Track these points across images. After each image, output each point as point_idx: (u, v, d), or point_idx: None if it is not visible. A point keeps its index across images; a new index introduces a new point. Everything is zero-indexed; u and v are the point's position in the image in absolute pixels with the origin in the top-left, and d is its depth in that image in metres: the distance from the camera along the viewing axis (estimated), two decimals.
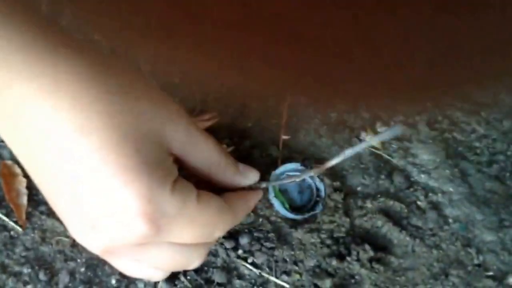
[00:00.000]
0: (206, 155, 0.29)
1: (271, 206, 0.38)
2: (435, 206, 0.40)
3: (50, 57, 0.24)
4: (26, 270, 0.35)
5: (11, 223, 0.36)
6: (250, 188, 0.33)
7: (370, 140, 0.33)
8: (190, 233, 0.27)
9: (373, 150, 0.42)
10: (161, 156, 0.26)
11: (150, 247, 0.27)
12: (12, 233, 0.36)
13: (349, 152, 0.30)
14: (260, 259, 0.37)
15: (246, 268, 0.36)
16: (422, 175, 0.41)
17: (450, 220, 0.40)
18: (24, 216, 0.36)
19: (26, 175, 0.37)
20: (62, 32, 0.25)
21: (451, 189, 0.41)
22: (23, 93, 0.24)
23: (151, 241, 0.26)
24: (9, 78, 0.23)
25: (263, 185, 0.34)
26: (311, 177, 0.39)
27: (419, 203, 0.40)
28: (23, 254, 0.36)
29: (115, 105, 0.24)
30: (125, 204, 0.24)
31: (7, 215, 0.36)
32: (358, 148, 0.29)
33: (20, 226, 0.36)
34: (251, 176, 0.33)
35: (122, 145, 0.24)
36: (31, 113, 0.24)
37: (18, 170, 0.37)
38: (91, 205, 0.25)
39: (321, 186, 0.39)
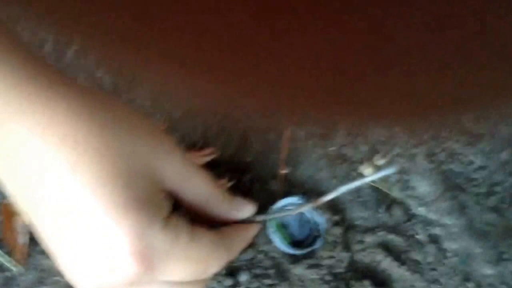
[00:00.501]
0: (201, 190, 0.30)
1: (270, 241, 0.39)
2: (434, 240, 0.41)
3: (43, 95, 0.24)
4: None
5: (8, 264, 0.36)
6: (248, 222, 0.34)
7: (366, 177, 0.34)
8: (183, 270, 0.27)
9: (372, 183, 0.43)
10: (153, 192, 0.26)
11: (142, 286, 0.27)
12: (8, 274, 0.36)
13: (343, 189, 0.31)
14: None
15: None
16: (421, 208, 0.42)
17: (449, 254, 0.40)
18: (24, 255, 0.37)
19: None
20: (57, 71, 0.26)
21: (449, 222, 0.42)
22: (15, 130, 0.24)
23: (143, 280, 0.27)
24: (5, 114, 0.24)
25: (260, 218, 0.35)
26: (310, 212, 0.40)
27: (417, 236, 0.41)
28: None
29: (106, 142, 0.25)
30: (116, 242, 0.25)
31: (7, 254, 0.37)
32: (353, 185, 0.30)
33: (21, 265, 0.36)
34: (246, 210, 0.33)
35: (114, 182, 0.25)
36: (22, 150, 0.25)
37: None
38: (82, 242, 0.25)
39: (320, 220, 0.39)
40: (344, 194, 0.42)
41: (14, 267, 0.36)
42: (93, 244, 0.25)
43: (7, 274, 0.36)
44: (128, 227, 0.24)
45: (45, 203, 0.25)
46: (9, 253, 0.37)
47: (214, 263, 0.29)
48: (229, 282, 0.37)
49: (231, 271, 0.38)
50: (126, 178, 0.25)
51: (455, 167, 0.45)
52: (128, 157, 0.25)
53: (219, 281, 0.37)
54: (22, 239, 0.37)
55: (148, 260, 0.25)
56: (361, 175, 0.43)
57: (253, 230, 0.34)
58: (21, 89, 0.24)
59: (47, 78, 0.25)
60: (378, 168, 0.43)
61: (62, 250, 0.26)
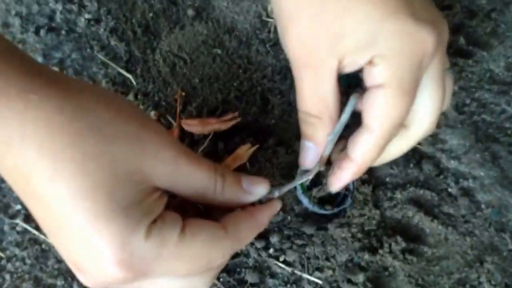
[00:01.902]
0: (197, 183, 0.30)
1: (299, 202, 0.40)
2: (467, 192, 0.42)
3: (19, 106, 0.25)
4: (59, 282, 0.38)
5: (42, 236, 0.39)
6: (261, 202, 0.34)
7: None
8: (179, 268, 0.29)
9: None
10: (139, 196, 0.27)
11: (143, 283, 0.29)
12: (43, 246, 0.39)
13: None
14: (291, 256, 0.39)
15: (278, 266, 0.39)
16: (452, 161, 0.43)
17: (483, 206, 0.42)
18: None
19: None
20: (36, 72, 0.27)
21: (482, 174, 0.43)
22: None
23: (140, 280, 0.28)
24: None
25: (275, 194, 0.35)
26: None
27: (450, 190, 0.42)
28: (56, 266, 0.39)
29: (85, 150, 0.26)
30: (100, 252, 0.26)
31: (37, 228, 0.39)
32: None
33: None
34: (257, 191, 0.33)
35: (94, 191, 0.26)
36: (4, 161, 0.26)
37: None
38: (72, 249, 0.27)
39: None
40: None
41: (49, 240, 0.39)
42: (81, 253, 0.27)
43: (43, 246, 0.39)
44: (110, 238, 0.26)
45: (35, 211, 0.27)
46: (38, 227, 0.40)
47: (217, 255, 0.30)
48: (261, 244, 0.39)
49: (262, 233, 0.39)
50: (106, 187, 0.26)
51: (486, 117, 0.45)
52: (109, 165, 0.26)
53: (251, 244, 0.39)
54: None
55: (134, 267, 0.27)
56: None
57: (268, 210, 0.34)
58: None
59: (19, 88, 0.25)
60: None
61: (60, 252, 0.29)
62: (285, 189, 0.36)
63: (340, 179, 0.34)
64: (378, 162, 0.35)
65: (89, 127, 0.26)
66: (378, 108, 0.30)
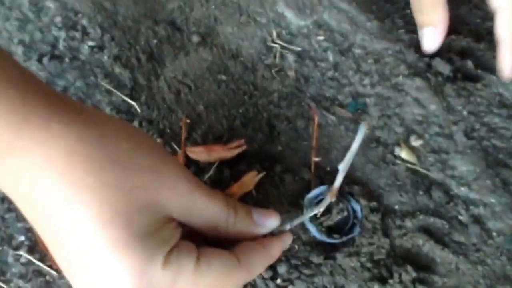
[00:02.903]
0: (210, 215, 0.32)
1: (307, 231, 0.42)
2: (478, 220, 0.44)
3: (41, 134, 0.27)
4: None
5: (46, 268, 0.40)
6: (272, 234, 0.36)
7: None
8: None
9: (409, 165, 0.45)
10: (156, 225, 0.29)
11: None
12: (47, 277, 0.40)
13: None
14: (300, 287, 0.41)
15: None
16: (462, 188, 0.45)
17: (494, 234, 0.43)
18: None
19: None
20: (58, 102, 0.28)
21: (493, 201, 0.44)
22: (15, 167, 0.27)
23: None
24: (1, 150, 0.27)
25: (287, 227, 0.37)
26: (347, 199, 0.42)
27: (460, 217, 0.44)
28: None
29: (105, 179, 0.28)
30: (119, 279, 0.28)
31: (41, 260, 0.41)
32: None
33: (55, 270, 0.40)
34: (268, 224, 0.36)
35: (113, 220, 0.27)
36: (24, 186, 0.28)
37: None
38: (88, 277, 0.28)
39: (357, 208, 0.42)
40: (380, 178, 0.45)
41: (53, 271, 0.40)
42: (100, 281, 0.28)
43: (47, 278, 0.40)
44: (129, 265, 0.27)
45: (52, 237, 0.29)
46: (42, 259, 0.41)
47: (230, 285, 0.32)
48: (268, 274, 0.40)
49: None
50: (125, 215, 0.28)
51: (496, 142, 0.47)
52: (127, 194, 0.28)
53: (259, 274, 0.40)
54: None
55: None
56: (399, 158, 0.45)
57: (280, 243, 0.36)
58: (14, 133, 0.27)
59: (40, 117, 0.27)
60: (414, 150, 0.46)
61: (73, 283, 0.30)
62: (297, 221, 0.38)
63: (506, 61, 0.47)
64: None
65: (109, 156, 0.28)
66: None
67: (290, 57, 0.50)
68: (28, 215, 0.29)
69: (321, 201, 0.42)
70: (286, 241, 0.37)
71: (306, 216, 0.39)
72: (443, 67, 0.49)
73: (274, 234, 0.37)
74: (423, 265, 0.42)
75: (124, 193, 0.28)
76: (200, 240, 0.33)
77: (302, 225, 0.42)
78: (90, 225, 0.27)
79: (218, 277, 0.31)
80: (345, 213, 0.42)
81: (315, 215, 0.42)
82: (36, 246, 0.41)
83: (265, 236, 0.36)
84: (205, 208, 0.32)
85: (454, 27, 0.52)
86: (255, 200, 0.43)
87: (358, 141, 0.35)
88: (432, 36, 0.48)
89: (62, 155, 0.27)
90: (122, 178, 0.28)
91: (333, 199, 0.38)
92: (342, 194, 0.43)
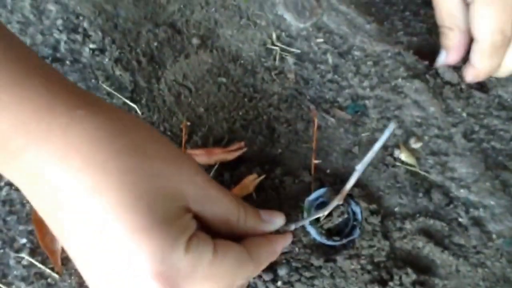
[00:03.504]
0: (224, 210, 0.33)
1: (307, 234, 0.41)
2: (477, 222, 0.43)
3: (63, 121, 0.27)
4: None
5: (48, 270, 0.40)
6: (278, 232, 0.37)
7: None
8: (211, 285, 0.30)
9: (409, 167, 0.45)
10: (176, 213, 0.29)
11: None
12: (49, 280, 0.40)
13: (360, 168, 0.36)
14: None
15: None
16: (462, 190, 0.44)
17: (494, 236, 0.43)
18: (59, 262, 0.40)
19: None
20: (81, 92, 0.29)
21: (492, 203, 0.44)
22: (38, 156, 0.27)
23: None
24: (25, 141, 0.27)
25: (292, 227, 0.38)
26: (347, 202, 0.42)
27: (460, 220, 0.43)
28: None
29: (127, 164, 0.28)
30: (139, 264, 0.27)
31: (43, 262, 0.40)
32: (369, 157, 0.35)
33: (57, 273, 0.40)
34: (275, 222, 0.37)
35: (135, 204, 0.27)
36: (45, 175, 0.28)
37: None
38: (105, 264, 0.28)
39: (357, 210, 0.42)
40: (380, 181, 0.44)
41: (54, 273, 0.40)
42: (118, 267, 0.28)
43: (49, 280, 0.40)
44: (151, 250, 0.27)
45: (69, 225, 0.29)
46: (44, 261, 0.41)
47: (241, 277, 0.32)
48: (268, 276, 0.40)
49: (270, 265, 0.40)
50: (147, 200, 0.28)
51: (495, 144, 0.47)
52: (149, 180, 0.28)
53: (259, 276, 0.40)
54: (56, 245, 0.41)
55: (171, 281, 0.28)
56: (398, 160, 0.45)
57: (283, 240, 0.37)
58: (39, 118, 0.27)
59: (65, 104, 0.28)
60: (414, 152, 0.45)
61: (89, 271, 0.30)
62: (301, 222, 0.39)
63: (469, 75, 0.47)
64: (500, 74, 0.47)
65: (131, 145, 0.29)
66: (474, 19, 0.43)
67: (290, 60, 0.50)
68: (44, 206, 0.29)
69: (321, 203, 0.41)
70: (288, 239, 0.38)
71: (311, 218, 0.39)
72: (451, 77, 0.49)
73: (278, 233, 0.38)
74: (423, 268, 0.42)
75: (146, 179, 0.28)
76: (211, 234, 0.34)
77: (303, 228, 0.42)
78: (112, 210, 0.27)
79: (232, 268, 0.31)
80: (345, 216, 0.42)
81: (318, 218, 0.41)
82: (37, 249, 0.41)
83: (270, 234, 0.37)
84: (219, 202, 0.32)
85: None
86: (256, 202, 0.43)
87: (381, 141, 0.35)
88: (443, 59, 0.49)
89: (85, 142, 0.27)
90: (144, 165, 0.28)
91: (341, 202, 0.38)
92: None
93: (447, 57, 0.48)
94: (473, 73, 0.46)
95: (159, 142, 0.30)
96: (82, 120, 0.28)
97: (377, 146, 0.35)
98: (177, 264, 0.28)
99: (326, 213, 0.39)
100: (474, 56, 0.45)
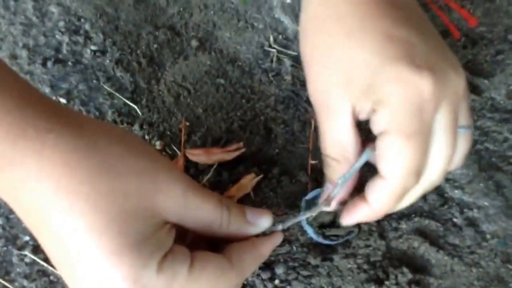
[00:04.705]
0: (205, 216, 0.32)
1: (304, 233, 0.41)
2: (472, 222, 0.43)
3: (36, 146, 0.27)
4: None
5: (50, 268, 0.40)
6: (265, 234, 0.35)
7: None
8: None
9: None
10: (150, 230, 0.29)
11: None
12: (51, 277, 0.40)
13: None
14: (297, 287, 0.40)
15: None
16: (456, 191, 0.44)
17: (488, 236, 0.43)
18: None
19: None
20: (52, 111, 0.28)
21: (486, 204, 0.44)
22: (13, 178, 0.27)
23: None
24: (2, 162, 0.27)
25: (279, 227, 0.36)
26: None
27: (455, 220, 0.43)
28: None
29: (99, 186, 0.27)
30: (113, 286, 0.27)
31: (45, 260, 0.40)
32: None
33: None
34: (261, 223, 0.35)
35: (107, 227, 0.27)
36: (22, 195, 0.27)
37: None
38: (84, 283, 0.28)
39: None
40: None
41: (57, 271, 0.40)
42: (93, 286, 0.28)
43: (51, 278, 0.40)
44: (124, 272, 0.27)
45: (51, 242, 0.28)
46: (47, 259, 0.40)
47: (223, 286, 0.31)
48: (266, 275, 0.40)
49: (267, 264, 0.40)
50: (119, 222, 0.27)
51: (489, 145, 0.46)
52: (121, 201, 0.28)
53: (257, 275, 0.40)
54: None
55: None
56: None
57: (271, 242, 0.35)
58: (13, 143, 0.26)
59: (36, 129, 0.27)
60: None
61: (72, 284, 0.29)
62: (289, 223, 0.37)
63: (351, 217, 0.34)
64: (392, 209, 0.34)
65: (102, 164, 0.28)
66: (386, 155, 0.31)
67: (287, 62, 0.50)
68: (28, 225, 0.29)
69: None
70: (276, 240, 0.36)
71: (298, 219, 0.38)
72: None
73: (266, 234, 0.36)
74: (419, 267, 0.42)
75: (118, 200, 0.28)
76: (193, 240, 0.33)
77: (300, 227, 0.41)
78: (85, 234, 0.27)
79: (212, 280, 0.31)
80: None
81: (314, 216, 0.41)
82: (40, 246, 0.41)
83: (257, 236, 0.36)
84: (199, 208, 0.31)
85: (444, 31, 0.52)
86: (253, 202, 0.43)
87: (361, 161, 0.34)
88: (329, 193, 0.36)
89: (58, 166, 0.27)
90: (116, 185, 0.28)
91: (327, 208, 0.37)
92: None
93: (334, 192, 0.35)
94: (367, 213, 0.34)
95: (133, 154, 0.29)
96: (53, 146, 0.27)
97: (358, 164, 0.34)
98: (150, 284, 0.28)
99: (313, 214, 0.38)
100: (377, 195, 0.32)
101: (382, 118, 0.30)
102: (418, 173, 0.31)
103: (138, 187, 0.28)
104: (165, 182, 0.30)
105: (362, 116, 0.31)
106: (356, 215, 0.34)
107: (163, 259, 0.28)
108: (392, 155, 0.30)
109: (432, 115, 0.30)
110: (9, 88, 0.27)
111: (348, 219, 0.35)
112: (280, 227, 0.36)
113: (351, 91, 0.31)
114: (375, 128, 0.31)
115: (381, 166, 0.31)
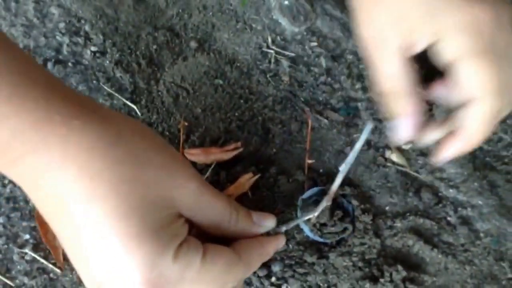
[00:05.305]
0: (215, 215, 0.33)
1: (300, 231, 0.42)
2: (466, 221, 0.43)
3: (62, 132, 0.27)
4: None
5: (50, 266, 0.40)
6: (269, 234, 0.37)
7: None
8: None
9: (399, 167, 0.45)
10: (168, 220, 0.29)
11: None
12: (52, 275, 0.40)
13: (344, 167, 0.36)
14: (293, 285, 0.40)
15: None
16: (451, 190, 0.44)
17: (482, 235, 0.43)
18: (61, 258, 0.40)
19: None
20: (78, 101, 0.29)
21: (480, 202, 0.44)
22: (36, 164, 0.27)
23: None
24: (24, 150, 0.27)
25: (283, 228, 0.38)
26: (339, 201, 0.42)
27: (449, 218, 0.43)
28: None
29: (122, 173, 0.28)
30: (129, 271, 0.28)
31: (45, 258, 0.40)
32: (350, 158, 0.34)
33: (59, 268, 0.40)
34: (266, 224, 0.36)
35: (128, 213, 0.28)
36: (44, 182, 0.28)
37: None
38: (98, 269, 0.28)
39: (349, 208, 0.42)
40: (371, 180, 0.44)
41: (56, 268, 0.40)
42: (111, 272, 0.28)
43: (51, 275, 0.40)
44: (140, 258, 0.28)
45: (68, 229, 0.29)
46: (47, 257, 0.41)
47: (231, 280, 0.32)
48: (263, 272, 0.40)
49: (264, 262, 0.41)
50: (140, 209, 0.28)
51: (483, 145, 0.47)
52: (142, 189, 0.28)
53: (254, 272, 0.40)
54: (58, 241, 0.41)
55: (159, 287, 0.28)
56: (389, 160, 0.45)
57: (275, 242, 0.37)
58: (38, 129, 0.27)
59: (63, 115, 0.28)
60: (404, 153, 0.46)
61: (85, 273, 0.30)
62: (292, 224, 0.38)
63: (448, 151, 0.35)
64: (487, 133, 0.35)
65: (126, 154, 0.29)
66: (469, 79, 0.32)
67: (285, 63, 0.50)
68: (45, 213, 0.29)
69: (314, 202, 0.42)
70: (281, 241, 0.37)
71: (302, 219, 0.39)
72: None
73: (270, 234, 0.37)
74: (413, 265, 0.42)
75: (139, 188, 0.28)
76: (202, 237, 0.33)
77: (296, 225, 0.42)
78: (105, 218, 0.27)
79: (222, 272, 0.31)
80: (339, 216, 0.42)
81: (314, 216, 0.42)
82: (40, 244, 0.41)
83: (261, 235, 0.37)
84: (211, 207, 0.32)
85: None
86: (251, 201, 0.43)
87: (362, 140, 0.34)
88: (399, 129, 0.36)
89: (82, 151, 0.27)
90: (138, 174, 0.28)
91: (329, 203, 0.38)
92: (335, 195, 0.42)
93: (401, 127, 0.35)
94: (464, 142, 0.34)
95: (154, 148, 0.30)
96: (79, 131, 0.28)
97: (358, 146, 0.35)
98: (166, 271, 0.28)
99: (316, 214, 0.39)
100: (474, 119, 0.33)
101: (447, 46, 0.32)
102: (507, 87, 0.33)
103: (157, 178, 0.29)
104: (182, 178, 0.31)
105: (419, 48, 0.33)
106: (453, 148, 0.35)
107: (178, 248, 0.29)
108: (477, 76, 0.32)
109: (491, 37, 0.32)
110: (36, 78, 0.28)
111: (446, 153, 0.35)
112: (283, 228, 0.38)
113: (406, 24, 0.33)
114: (441, 58, 0.33)
115: (469, 91, 0.33)
